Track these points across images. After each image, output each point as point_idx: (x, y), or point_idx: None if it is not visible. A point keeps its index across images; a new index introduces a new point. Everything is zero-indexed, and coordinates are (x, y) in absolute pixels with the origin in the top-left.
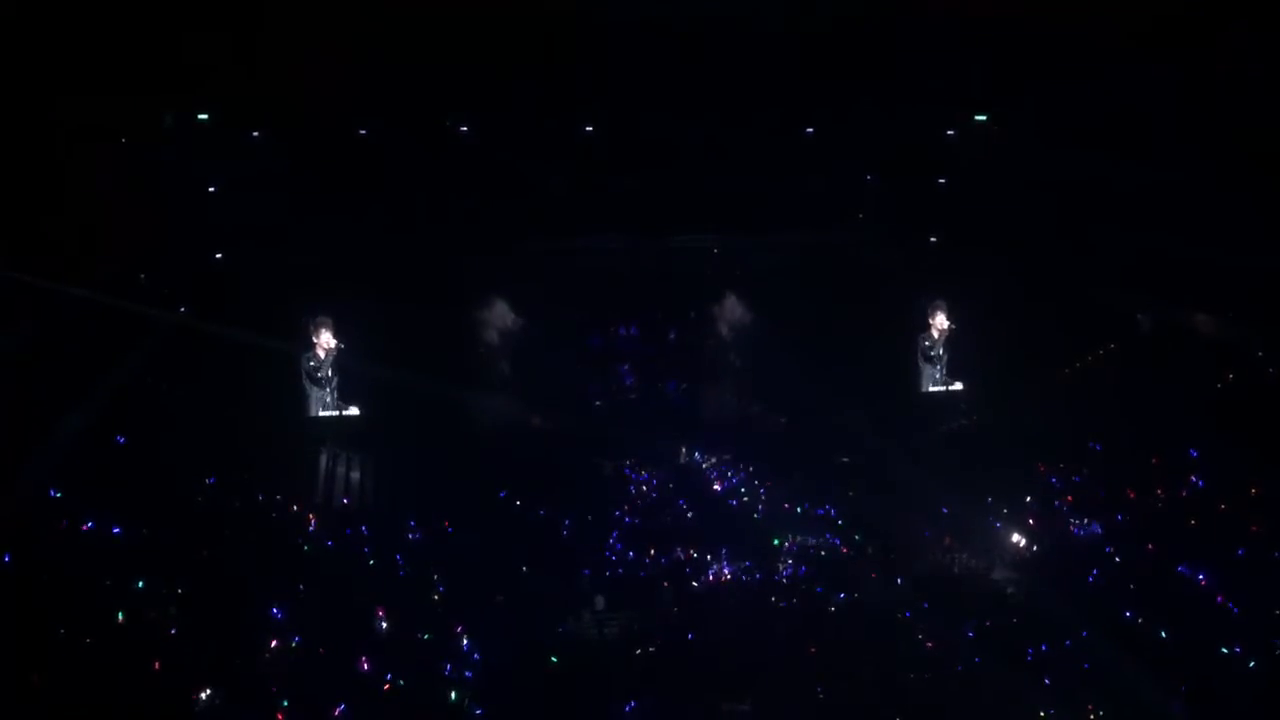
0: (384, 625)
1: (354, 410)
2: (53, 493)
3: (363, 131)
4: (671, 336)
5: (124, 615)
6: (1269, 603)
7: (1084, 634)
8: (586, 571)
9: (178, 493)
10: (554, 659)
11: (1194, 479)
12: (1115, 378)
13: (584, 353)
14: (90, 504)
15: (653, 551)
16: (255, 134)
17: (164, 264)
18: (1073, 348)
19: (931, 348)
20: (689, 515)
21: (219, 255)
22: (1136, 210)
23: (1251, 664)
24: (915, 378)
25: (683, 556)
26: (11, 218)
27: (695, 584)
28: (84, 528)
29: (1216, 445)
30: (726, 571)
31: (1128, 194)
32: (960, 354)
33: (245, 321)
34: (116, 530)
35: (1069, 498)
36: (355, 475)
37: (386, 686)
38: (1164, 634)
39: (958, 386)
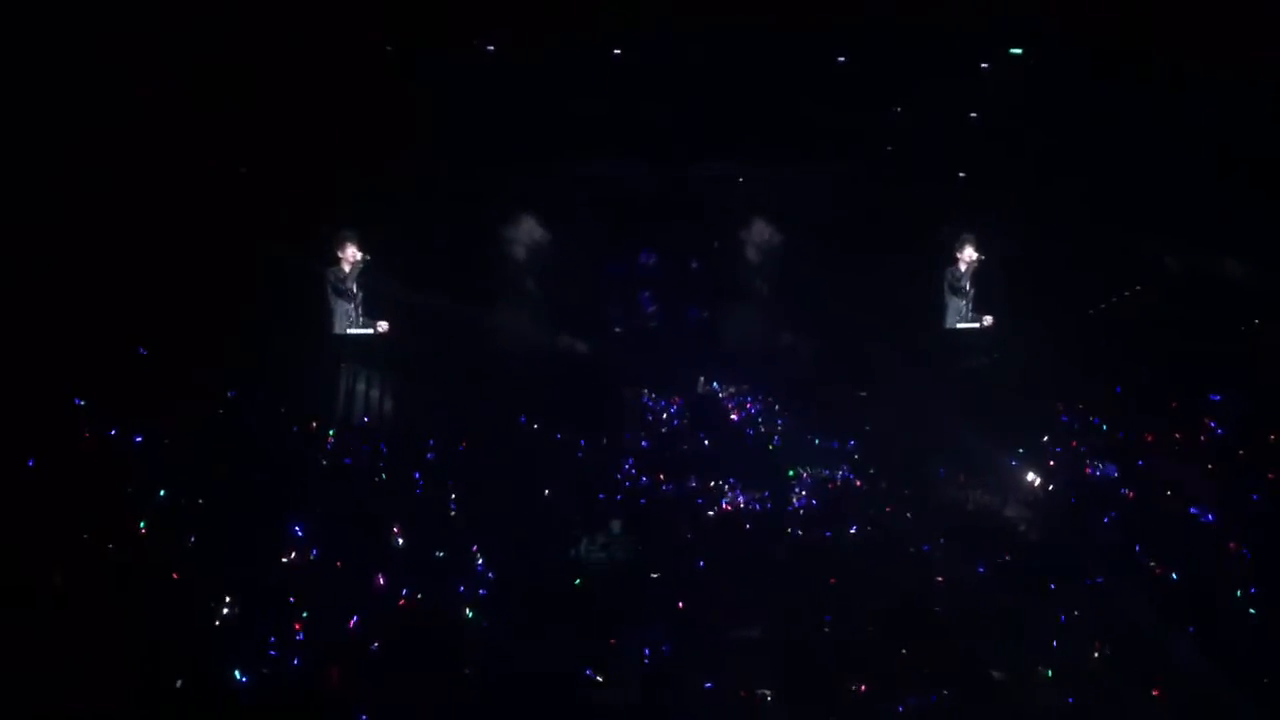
0: (400, 542)
1: (383, 325)
2: (77, 401)
3: (389, 48)
4: (694, 265)
5: (146, 525)
6: None
7: (1094, 573)
8: (602, 495)
9: (199, 405)
10: (578, 581)
11: (1213, 424)
12: (1140, 321)
13: (606, 279)
14: (113, 413)
15: (665, 478)
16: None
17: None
18: (1098, 289)
19: (959, 280)
20: (706, 444)
21: (244, 169)
22: (1170, 153)
23: (1253, 611)
24: (941, 312)
25: (697, 485)
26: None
27: (710, 512)
28: (108, 434)
29: (1238, 392)
30: (740, 500)
31: (1162, 136)
32: (987, 289)
33: (269, 233)
34: (138, 440)
35: (1087, 439)
36: (375, 393)
37: (401, 601)
38: (1174, 576)
39: (988, 320)
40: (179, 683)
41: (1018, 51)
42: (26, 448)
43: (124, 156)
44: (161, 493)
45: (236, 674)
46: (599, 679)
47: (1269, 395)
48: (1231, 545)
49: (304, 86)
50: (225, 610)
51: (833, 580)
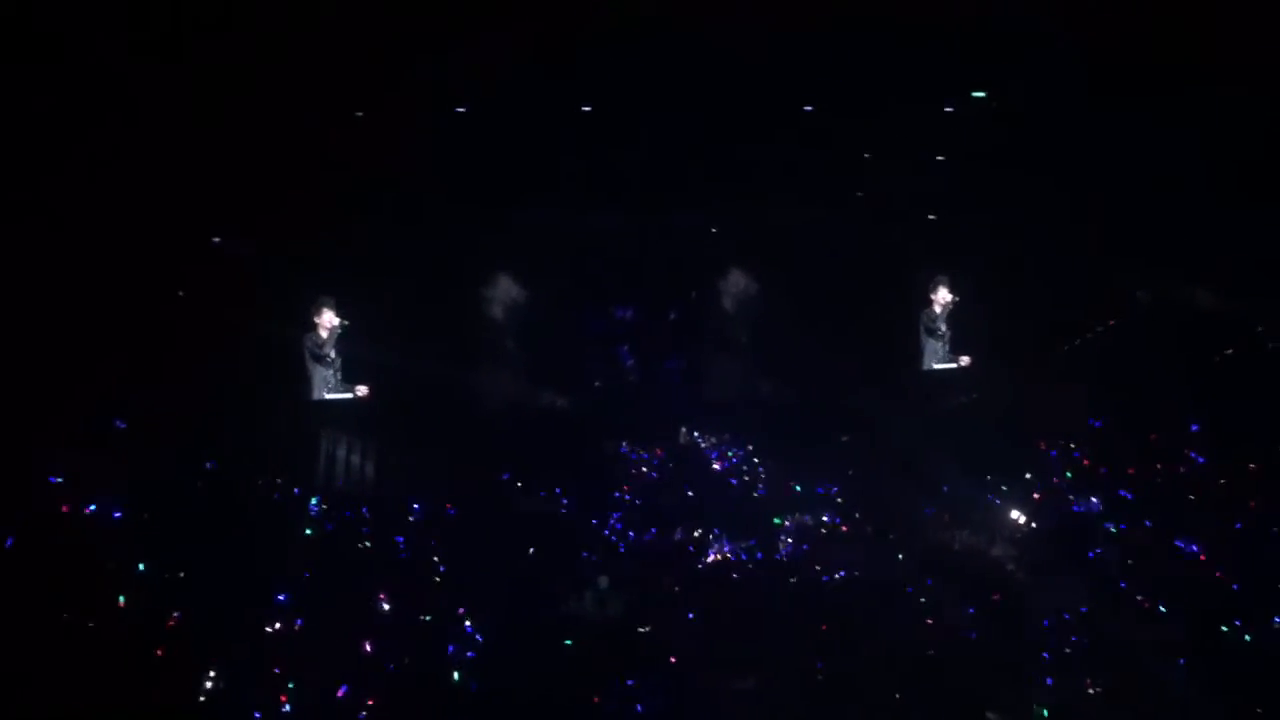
0: (386, 607)
1: (362, 390)
2: (53, 479)
3: (359, 114)
4: (671, 316)
5: (125, 599)
6: (1267, 577)
7: (1083, 609)
8: (586, 554)
9: (178, 477)
10: (567, 641)
11: (1193, 454)
12: (1115, 354)
13: (584, 333)
14: (91, 488)
15: (654, 531)
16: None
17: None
18: (1073, 324)
19: (935, 321)
20: (690, 494)
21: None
22: (1137, 187)
23: (1248, 638)
24: (919, 354)
25: (682, 536)
26: None
27: (698, 564)
28: (86, 510)
29: (1216, 421)
30: (727, 550)
31: (1128, 171)
32: (963, 330)
33: (245, 303)
34: (117, 515)
35: (1069, 474)
36: (356, 458)
37: (389, 667)
38: (1162, 608)
39: (965, 361)
40: None
41: (981, 95)
42: (3, 526)
43: (94, 223)
44: (141, 566)
45: None
46: None
47: (1247, 423)
48: (1218, 574)
49: (276, 153)
50: (209, 684)
51: (824, 627)
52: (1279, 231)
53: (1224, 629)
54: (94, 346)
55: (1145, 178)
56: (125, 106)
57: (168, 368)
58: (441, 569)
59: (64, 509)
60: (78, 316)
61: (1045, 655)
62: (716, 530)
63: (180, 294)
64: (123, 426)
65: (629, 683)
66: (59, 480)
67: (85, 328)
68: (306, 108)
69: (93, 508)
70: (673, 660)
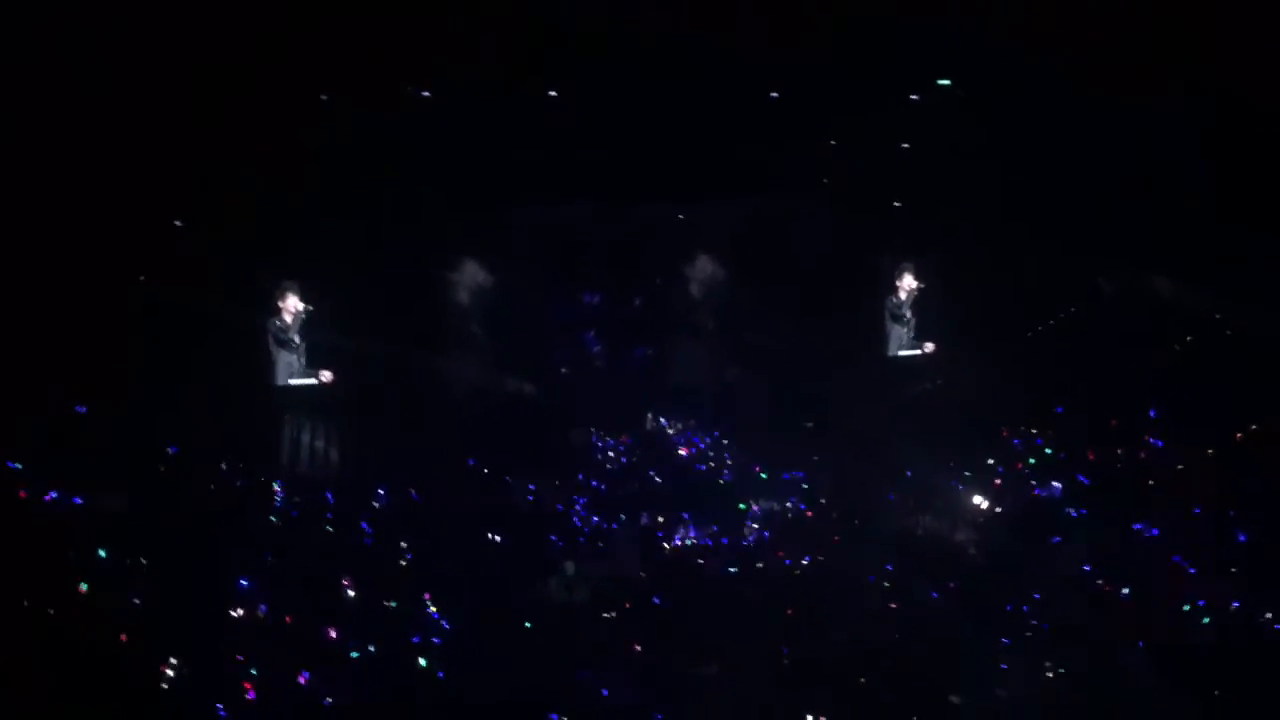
0: (351, 594)
1: (326, 375)
2: (10, 464)
3: (324, 98)
4: (637, 303)
5: (88, 586)
6: (1226, 561)
7: (1045, 593)
8: (554, 538)
9: (140, 463)
10: (527, 624)
11: (1152, 440)
12: (1077, 341)
13: (550, 320)
14: (51, 475)
15: (621, 517)
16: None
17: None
18: (1035, 312)
19: (899, 308)
20: (656, 480)
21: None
22: (1099, 176)
23: (1206, 620)
24: (884, 341)
25: (648, 522)
26: None
27: (664, 548)
28: (46, 498)
29: (1175, 407)
30: (693, 536)
31: (1091, 159)
32: (928, 317)
33: (208, 287)
34: (78, 501)
35: (1030, 459)
36: (320, 443)
37: (354, 655)
38: (1125, 591)
39: (929, 347)
40: None
41: (946, 83)
42: None
43: (54, 207)
44: (102, 553)
45: None
46: None
47: (1206, 410)
48: (1176, 559)
49: (239, 136)
50: (172, 672)
51: (790, 612)
52: (1239, 220)
53: (1184, 611)
54: (54, 331)
55: (1109, 167)
56: (96, 91)
57: (129, 352)
58: (407, 555)
59: (22, 495)
60: (37, 301)
61: (1006, 640)
62: (685, 515)
63: (142, 279)
64: (83, 411)
65: (594, 669)
66: (18, 466)
67: (45, 312)
68: (272, 92)
69: (53, 495)
70: (638, 647)
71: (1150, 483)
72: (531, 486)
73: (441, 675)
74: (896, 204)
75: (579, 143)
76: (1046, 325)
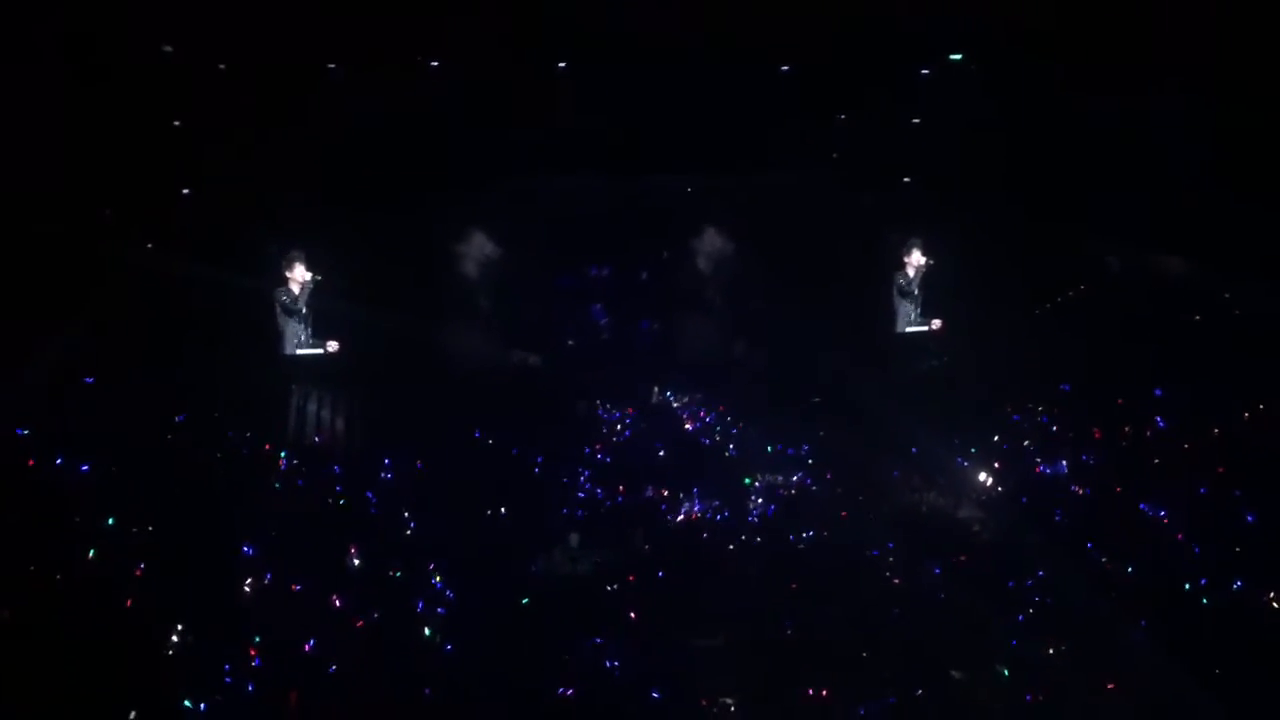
0: (356, 563)
1: (333, 345)
2: (20, 430)
3: (331, 66)
4: (644, 276)
5: (95, 553)
6: (1229, 541)
7: (1048, 570)
8: (565, 510)
9: (148, 431)
10: (525, 600)
11: (1158, 419)
12: (1083, 319)
13: (557, 292)
14: (58, 441)
15: (625, 490)
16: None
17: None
18: (1042, 290)
19: (908, 285)
20: (661, 454)
21: (185, 191)
22: (1108, 153)
23: (1205, 600)
24: (891, 317)
25: (653, 495)
26: None
27: (668, 521)
28: (53, 464)
29: (1181, 386)
30: (698, 510)
31: (1099, 137)
32: (936, 293)
33: (216, 257)
34: (85, 468)
35: (1036, 437)
36: (327, 413)
37: (359, 623)
38: (1129, 570)
39: (937, 324)
40: (133, 714)
41: (957, 57)
42: None
43: (61, 170)
44: (110, 520)
45: (189, 703)
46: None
47: (1212, 389)
48: (1180, 537)
49: (247, 105)
50: (178, 638)
51: (793, 586)
52: (1246, 202)
53: (1186, 589)
54: (62, 299)
55: (1117, 146)
56: (103, 59)
57: (137, 322)
58: (412, 525)
59: (30, 463)
60: (46, 270)
61: (1010, 616)
62: (694, 489)
63: (149, 246)
64: (90, 381)
65: (598, 640)
66: (25, 433)
67: (53, 280)
68: (281, 61)
69: (60, 461)
70: (641, 618)
71: (1156, 461)
72: (537, 458)
73: (446, 645)
74: (906, 179)
75: (587, 115)
76: (1053, 303)
